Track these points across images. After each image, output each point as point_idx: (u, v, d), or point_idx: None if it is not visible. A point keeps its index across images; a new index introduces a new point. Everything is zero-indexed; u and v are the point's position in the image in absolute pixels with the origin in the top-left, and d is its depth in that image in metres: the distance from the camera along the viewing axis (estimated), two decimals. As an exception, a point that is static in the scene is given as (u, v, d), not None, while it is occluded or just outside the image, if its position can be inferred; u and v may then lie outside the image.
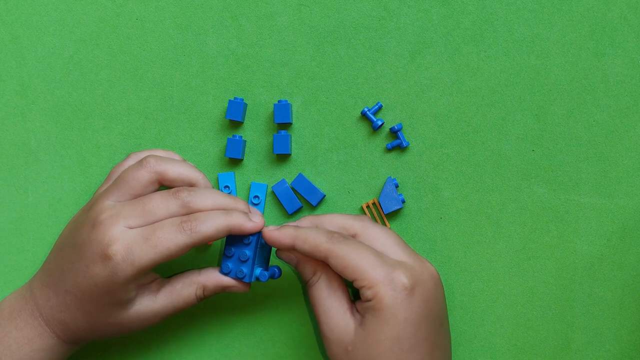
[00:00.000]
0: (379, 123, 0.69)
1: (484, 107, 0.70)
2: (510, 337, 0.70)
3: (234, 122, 0.70)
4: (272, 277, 0.66)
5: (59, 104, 0.71)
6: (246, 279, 0.65)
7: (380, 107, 0.69)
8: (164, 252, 0.61)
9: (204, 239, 0.62)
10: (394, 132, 0.69)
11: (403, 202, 0.69)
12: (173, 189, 0.64)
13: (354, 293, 0.68)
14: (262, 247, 0.65)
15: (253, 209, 0.65)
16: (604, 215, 0.69)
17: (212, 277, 0.65)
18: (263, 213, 0.70)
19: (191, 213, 0.63)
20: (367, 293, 0.61)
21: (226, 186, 0.69)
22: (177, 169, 0.65)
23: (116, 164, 0.69)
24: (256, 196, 0.69)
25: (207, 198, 0.63)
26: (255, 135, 0.70)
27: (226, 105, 0.70)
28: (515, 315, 0.70)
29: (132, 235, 0.61)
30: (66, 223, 0.70)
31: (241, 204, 0.64)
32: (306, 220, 0.66)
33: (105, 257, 0.61)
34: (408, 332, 0.60)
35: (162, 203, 0.62)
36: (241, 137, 0.69)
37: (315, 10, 0.70)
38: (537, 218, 0.70)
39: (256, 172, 0.70)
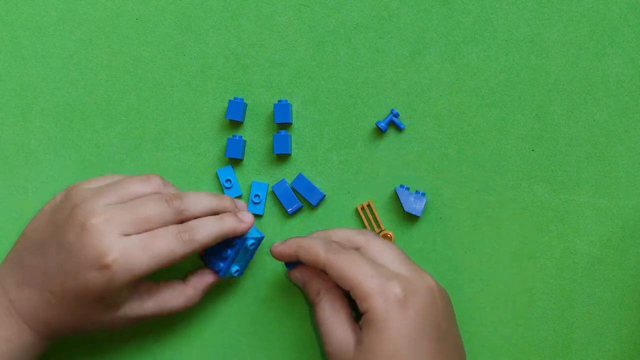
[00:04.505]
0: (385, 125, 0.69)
1: (484, 107, 0.70)
2: (510, 337, 0.70)
3: (234, 122, 0.70)
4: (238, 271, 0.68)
5: (59, 104, 0.71)
6: (220, 274, 0.67)
7: (396, 115, 0.69)
8: (162, 261, 0.62)
9: (200, 246, 0.63)
10: (391, 120, 0.69)
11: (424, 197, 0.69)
12: (166, 196, 0.64)
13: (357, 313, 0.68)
14: (245, 250, 0.67)
15: (240, 202, 0.68)
16: (604, 215, 0.69)
17: (198, 283, 0.67)
18: (263, 213, 0.70)
19: (184, 219, 0.64)
20: (362, 305, 0.61)
21: (227, 180, 0.70)
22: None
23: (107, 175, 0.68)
24: (257, 195, 0.69)
25: (198, 203, 0.65)
26: (255, 135, 0.70)
27: (226, 105, 0.70)
28: (515, 315, 0.70)
29: (131, 244, 0.61)
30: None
31: (228, 202, 0.66)
32: (314, 234, 0.67)
33: (103, 266, 0.60)
34: (405, 345, 0.60)
35: (156, 210, 0.63)
36: (241, 137, 0.69)
37: (315, 10, 0.70)
38: (537, 218, 0.69)
39: (256, 172, 0.70)
